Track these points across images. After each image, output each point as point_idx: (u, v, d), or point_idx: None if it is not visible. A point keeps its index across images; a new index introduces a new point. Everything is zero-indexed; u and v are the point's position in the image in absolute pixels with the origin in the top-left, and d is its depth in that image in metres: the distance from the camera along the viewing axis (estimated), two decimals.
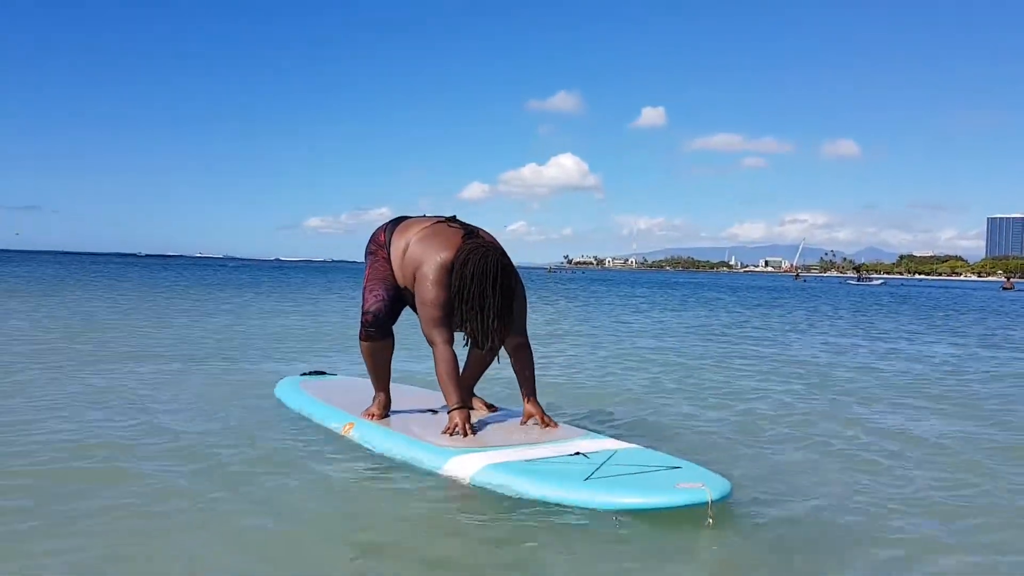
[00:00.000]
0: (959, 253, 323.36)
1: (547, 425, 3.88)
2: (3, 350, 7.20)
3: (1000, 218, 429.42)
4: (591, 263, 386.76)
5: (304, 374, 5.31)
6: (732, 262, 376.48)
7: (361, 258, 4.23)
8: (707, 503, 2.81)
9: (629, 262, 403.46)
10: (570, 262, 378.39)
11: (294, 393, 4.71)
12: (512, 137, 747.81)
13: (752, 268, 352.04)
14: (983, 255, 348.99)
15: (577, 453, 3.34)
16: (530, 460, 3.28)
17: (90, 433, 4.09)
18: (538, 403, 4.00)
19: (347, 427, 4.00)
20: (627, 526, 2.85)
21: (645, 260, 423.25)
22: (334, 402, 4.36)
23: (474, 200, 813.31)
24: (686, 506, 2.82)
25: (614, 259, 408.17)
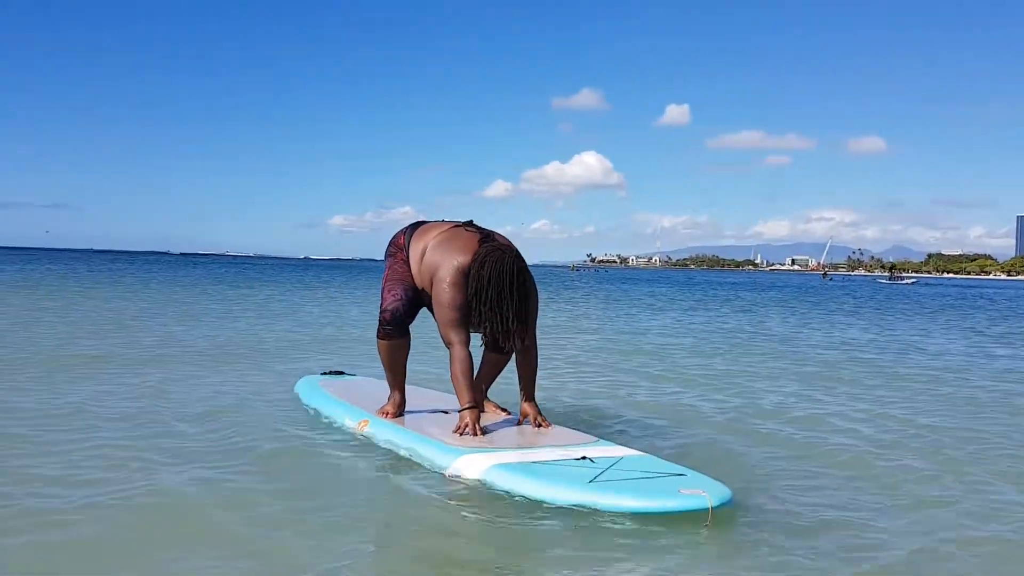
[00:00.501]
0: (988, 251, 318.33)
1: (539, 425, 4.02)
2: (37, 348, 7.46)
3: None
4: (615, 261, 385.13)
5: (324, 373, 5.42)
6: (758, 260, 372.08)
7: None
8: (707, 509, 2.87)
9: (653, 260, 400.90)
10: (593, 260, 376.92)
11: (313, 391, 4.83)
12: (536, 135, 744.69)
13: (778, 267, 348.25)
14: (1013, 253, 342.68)
15: (583, 458, 3.39)
16: (536, 462, 3.34)
17: (113, 437, 4.19)
18: (535, 404, 4.13)
19: (361, 424, 4.11)
20: (628, 530, 2.89)
21: (669, 259, 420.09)
22: (350, 400, 4.47)
23: (498, 198, 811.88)
24: (687, 511, 2.88)
25: (638, 257, 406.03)
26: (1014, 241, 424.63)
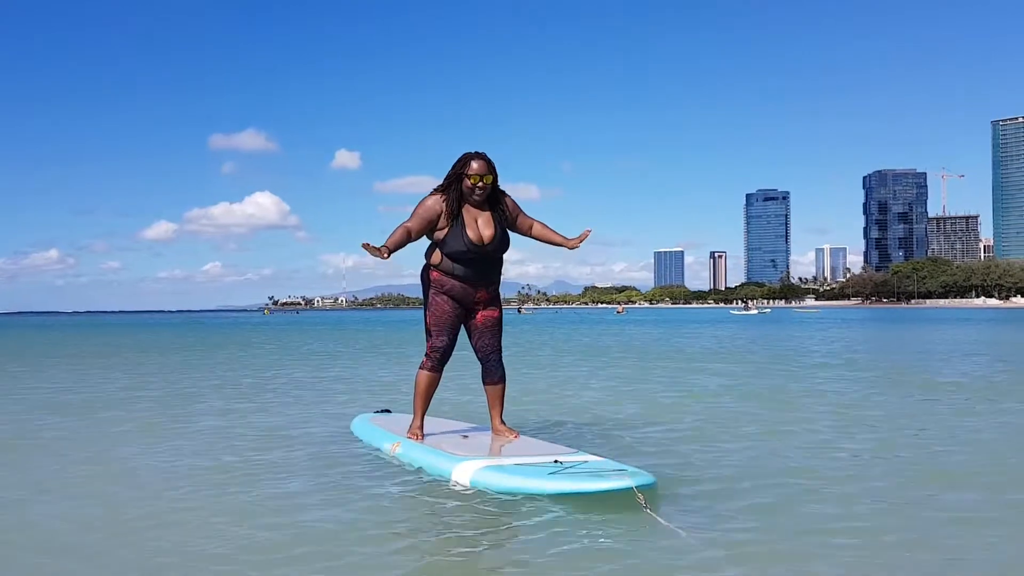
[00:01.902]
0: (632, 283, 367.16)
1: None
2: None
3: (663, 252, 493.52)
4: (299, 303, 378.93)
5: (376, 412, 6.05)
6: None
7: None
8: (631, 488, 3.45)
9: (339, 301, 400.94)
10: (276, 303, 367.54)
11: (364, 425, 5.53)
12: (196, 173, 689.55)
13: None
14: (652, 284, 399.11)
15: (556, 461, 3.96)
16: (516, 465, 3.93)
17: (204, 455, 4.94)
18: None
19: (395, 446, 4.72)
20: (573, 512, 3.43)
21: (356, 298, 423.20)
22: (390, 429, 5.13)
23: (161, 240, 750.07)
24: (609, 491, 3.49)
25: (323, 298, 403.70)
26: (652, 274, 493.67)
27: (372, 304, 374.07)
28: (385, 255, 4.23)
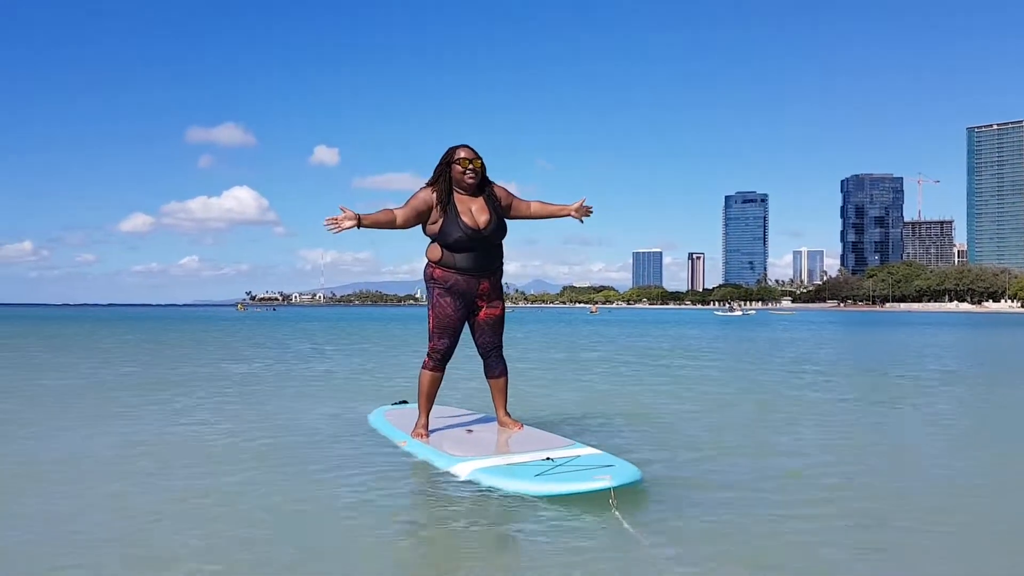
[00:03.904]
0: (610, 283, 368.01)
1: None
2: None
3: (642, 252, 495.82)
4: (277, 299, 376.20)
5: (393, 404, 6.17)
6: (418, 295, 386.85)
7: None
8: (609, 489, 3.47)
9: (317, 297, 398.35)
10: (254, 298, 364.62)
11: (380, 419, 5.63)
12: (173, 166, 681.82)
13: None
14: (630, 284, 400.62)
15: (547, 459, 3.99)
16: (509, 464, 3.98)
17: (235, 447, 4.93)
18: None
19: (401, 444, 4.81)
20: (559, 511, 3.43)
21: (334, 295, 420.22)
22: (400, 425, 5.15)
23: (137, 233, 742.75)
24: (590, 492, 3.53)
25: (301, 295, 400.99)
26: (630, 274, 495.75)
27: (350, 301, 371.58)
28: (355, 224, 4.29)
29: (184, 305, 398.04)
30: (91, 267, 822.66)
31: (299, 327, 32.88)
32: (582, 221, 4.86)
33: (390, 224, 4.47)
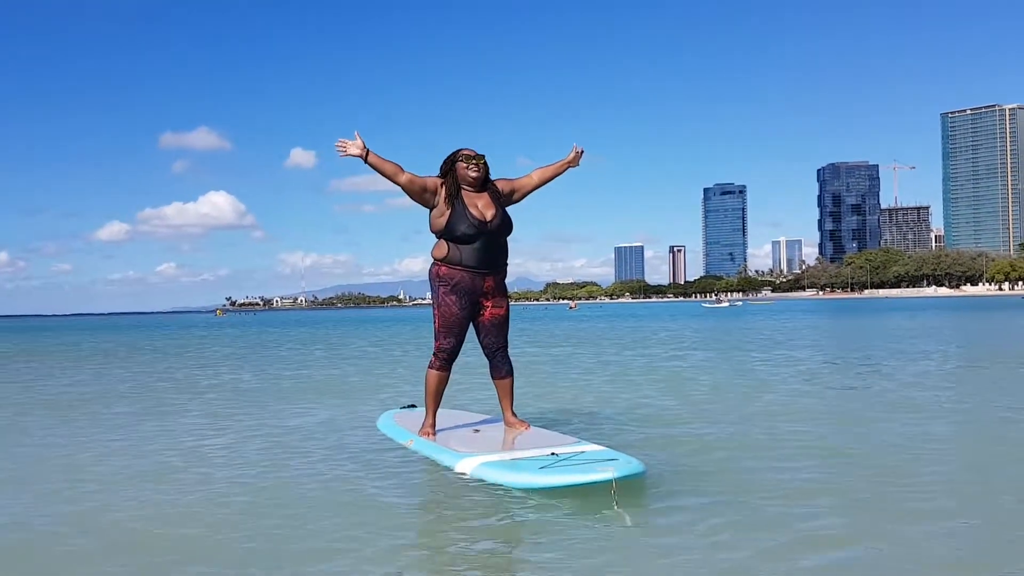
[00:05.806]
0: (592, 279, 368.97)
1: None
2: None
3: (623, 247, 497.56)
4: (258, 304, 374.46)
5: (402, 408, 6.25)
6: (401, 296, 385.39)
7: None
8: (611, 481, 3.48)
9: (299, 300, 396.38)
10: (233, 304, 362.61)
11: (388, 421, 5.71)
12: (147, 171, 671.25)
13: (421, 301, 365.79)
14: (612, 279, 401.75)
15: (552, 454, 4.01)
16: (514, 459, 4.02)
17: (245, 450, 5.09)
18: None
19: (409, 443, 4.89)
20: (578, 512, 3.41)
21: (316, 298, 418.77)
22: (407, 427, 5.25)
23: (114, 241, 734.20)
24: (592, 484, 3.54)
25: (282, 299, 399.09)
26: (612, 269, 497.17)
27: (332, 303, 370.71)
28: (361, 155, 4.49)
29: (161, 312, 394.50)
30: (67, 277, 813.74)
31: (287, 334, 32.39)
32: (579, 164, 5.01)
33: (394, 176, 4.58)
